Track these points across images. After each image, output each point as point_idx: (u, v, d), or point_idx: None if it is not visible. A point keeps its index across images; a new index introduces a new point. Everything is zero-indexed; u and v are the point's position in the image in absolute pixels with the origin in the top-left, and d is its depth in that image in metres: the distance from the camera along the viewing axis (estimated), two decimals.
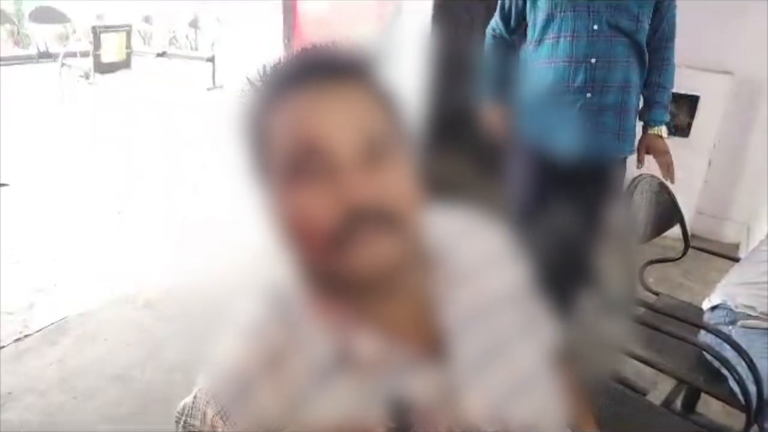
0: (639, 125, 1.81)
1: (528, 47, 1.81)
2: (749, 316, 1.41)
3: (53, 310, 2.29)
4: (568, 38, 1.68)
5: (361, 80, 0.55)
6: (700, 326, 1.46)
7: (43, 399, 1.82)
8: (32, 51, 6.74)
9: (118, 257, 2.75)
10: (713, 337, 1.33)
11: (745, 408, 1.21)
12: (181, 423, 0.57)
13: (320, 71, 0.53)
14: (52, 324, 2.20)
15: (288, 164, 0.52)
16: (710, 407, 1.71)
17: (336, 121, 0.52)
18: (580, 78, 1.68)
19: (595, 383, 1.33)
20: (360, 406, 0.54)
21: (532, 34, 1.78)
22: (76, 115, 5.08)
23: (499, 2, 1.88)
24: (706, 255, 1.90)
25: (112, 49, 5.53)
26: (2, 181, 3.48)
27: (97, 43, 5.36)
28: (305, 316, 0.56)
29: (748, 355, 1.22)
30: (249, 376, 0.54)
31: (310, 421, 0.53)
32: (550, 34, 1.72)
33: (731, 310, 1.45)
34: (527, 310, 0.69)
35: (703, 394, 1.62)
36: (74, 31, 7.07)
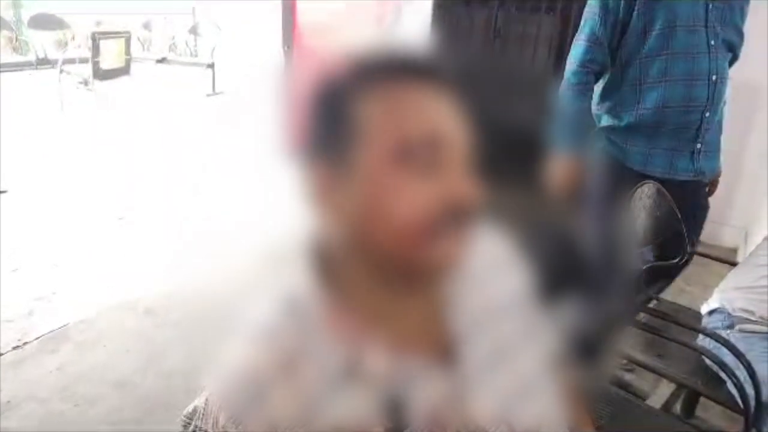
0: None
1: (622, 65, 1.68)
2: (747, 321, 1.42)
3: (53, 317, 2.29)
4: (688, 54, 1.59)
5: (449, 86, 0.57)
6: (699, 330, 1.47)
7: (43, 407, 1.82)
8: (31, 57, 6.74)
9: (118, 264, 2.75)
10: (712, 341, 1.34)
11: (744, 412, 1.21)
12: (191, 427, 0.57)
13: (427, 71, 0.56)
14: (52, 331, 2.20)
15: (396, 150, 0.53)
16: (709, 411, 1.72)
17: (453, 119, 0.55)
18: (702, 96, 1.60)
19: (595, 387, 1.34)
20: (368, 411, 0.54)
21: (632, 51, 1.65)
22: (76, 122, 5.08)
23: (592, 25, 1.67)
24: (704, 259, 1.90)
25: (111, 55, 5.54)
26: (2, 188, 3.48)
27: (96, 50, 5.37)
28: (319, 323, 0.57)
29: (746, 359, 1.22)
30: (262, 382, 0.54)
31: (320, 428, 0.53)
32: (665, 50, 1.60)
33: (729, 314, 1.46)
34: (532, 315, 0.70)
35: (702, 398, 1.63)
36: (73, 38, 7.09)
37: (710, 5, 1.57)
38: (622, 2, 1.61)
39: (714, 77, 1.59)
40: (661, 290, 1.83)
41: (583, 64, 1.69)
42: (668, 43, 1.59)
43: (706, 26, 1.58)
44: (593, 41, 1.66)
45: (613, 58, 1.69)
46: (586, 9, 1.69)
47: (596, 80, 1.73)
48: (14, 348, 2.10)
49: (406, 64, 0.56)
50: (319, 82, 0.56)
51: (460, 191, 0.53)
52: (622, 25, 1.63)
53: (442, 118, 0.55)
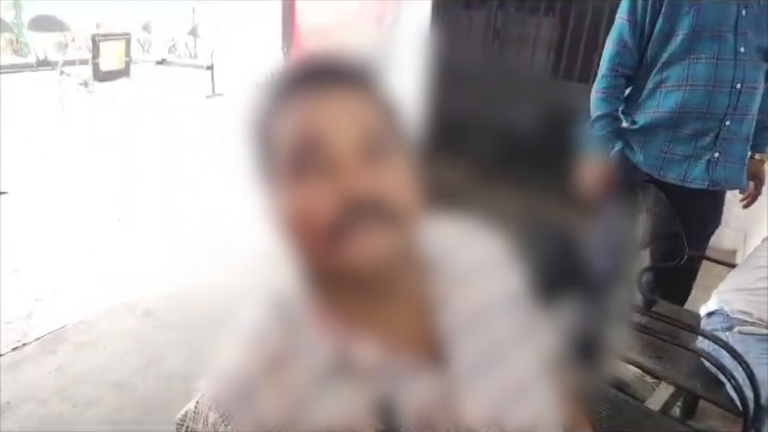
0: None
1: (645, 69, 1.68)
2: (745, 322, 1.42)
3: (52, 318, 2.29)
4: (711, 60, 1.55)
5: (362, 84, 0.57)
6: (698, 332, 1.47)
7: (42, 408, 1.82)
8: (31, 59, 6.74)
9: (117, 265, 2.75)
10: (711, 343, 1.34)
11: (743, 414, 1.21)
12: (183, 428, 0.58)
13: (324, 75, 0.56)
14: (52, 332, 2.20)
15: (291, 160, 0.54)
16: (708, 413, 1.72)
17: (336, 118, 0.54)
18: (722, 104, 1.57)
19: (592, 389, 1.34)
20: (358, 411, 0.54)
21: (656, 54, 1.64)
22: (76, 124, 5.08)
23: (620, 29, 1.67)
24: (703, 261, 1.90)
25: (111, 57, 5.54)
26: (1, 189, 3.48)
27: (96, 52, 5.37)
28: (306, 321, 0.57)
29: (745, 361, 1.22)
30: (251, 381, 0.55)
31: (309, 426, 0.53)
32: (688, 54, 1.58)
33: (728, 316, 1.46)
34: (525, 315, 0.70)
35: (701, 400, 1.63)
36: (73, 40, 7.09)
37: (743, 11, 1.52)
38: (649, 7, 1.61)
39: (738, 85, 1.55)
40: (667, 292, 1.83)
41: (612, 68, 1.70)
42: (692, 47, 1.57)
43: (735, 32, 1.53)
44: (622, 45, 1.67)
45: (641, 62, 1.68)
46: (617, 14, 1.69)
47: (627, 84, 1.73)
48: (14, 349, 2.10)
49: (301, 73, 0.56)
50: (253, 102, 0.58)
51: (351, 186, 0.52)
52: (650, 29, 1.63)
53: (324, 118, 0.54)
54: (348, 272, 0.54)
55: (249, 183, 0.58)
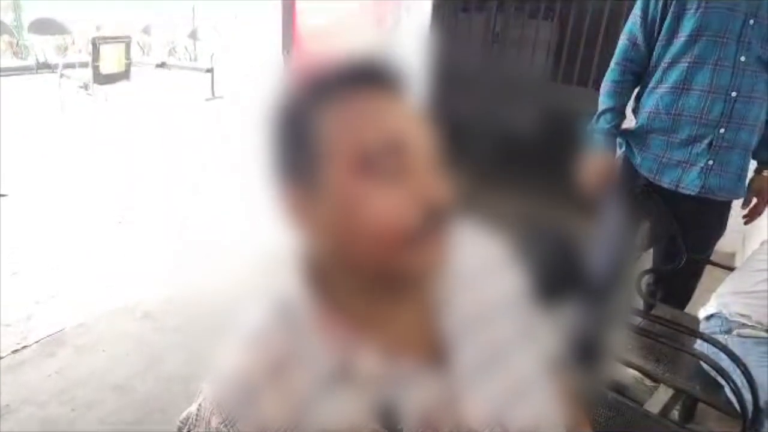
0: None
1: (652, 68, 1.67)
2: (744, 325, 1.43)
3: (52, 321, 2.29)
4: (709, 65, 1.55)
5: (407, 90, 0.57)
6: (697, 335, 1.47)
7: (42, 410, 1.81)
8: (31, 62, 6.75)
9: (117, 268, 2.75)
10: (710, 346, 1.34)
11: (741, 416, 1.22)
12: (185, 431, 0.58)
13: (377, 77, 0.55)
14: (51, 335, 2.20)
15: (359, 161, 0.52)
16: (707, 416, 1.72)
17: (413, 123, 0.55)
18: (716, 110, 1.56)
19: (592, 391, 1.34)
20: (361, 415, 0.55)
21: (661, 54, 1.64)
22: (76, 126, 5.09)
23: (631, 26, 1.68)
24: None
25: (111, 60, 5.55)
26: (1, 192, 3.48)
27: (96, 54, 5.38)
28: (310, 326, 0.57)
29: (743, 364, 1.23)
30: (253, 385, 0.55)
31: (312, 430, 0.54)
32: (688, 57, 1.57)
33: (726, 319, 1.46)
34: (526, 317, 0.70)
35: (700, 403, 1.63)
36: (73, 42, 7.11)
37: (752, 20, 1.51)
38: (660, 6, 1.61)
39: (734, 93, 1.54)
40: (668, 296, 1.84)
41: (620, 62, 1.71)
42: (692, 50, 1.56)
43: (738, 40, 1.52)
44: (632, 41, 1.68)
45: (650, 60, 1.68)
46: (634, 9, 1.70)
47: (637, 82, 1.73)
48: (13, 351, 2.10)
49: (357, 73, 0.55)
50: (280, 102, 0.56)
51: (430, 193, 0.53)
52: (659, 28, 1.63)
53: (400, 122, 0.54)
54: (405, 274, 0.55)
55: (268, 183, 0.56)
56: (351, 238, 0.54)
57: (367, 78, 0.54)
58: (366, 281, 0.57)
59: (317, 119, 0.53)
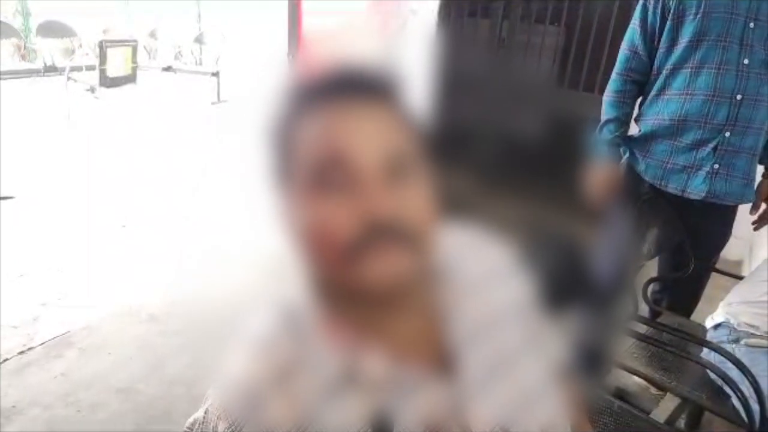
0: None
1: (654, 76, 1.68)
2: (752, 335, 1.42)
3: (57, 323, 2.30)
4: (712, 70, 1.54)
5: (387, 98, 0.56)
6: (704, 344, 1.46)
7: (47, 412, 1.82)
8: (38, 65, 6.79)
9: (122, 271, 2.76)
10: (717, 355, 1.33)
11: (748, 427, 1.21)
12: None
13: (349, 86, 0.55)
14: (57, 337, 2.21)
15: (312, 174, 0.54)
16: (714, 426, 1.71)
17: (363, 135, 0.54)
18: (721, 115, 1.55)
19: (598, 399, 1.34)
20: (365, 423, 0.54)
21: (662, 61, 1.64)
22: (82, 129, 5.11)
23: (632, 35, 1.68)
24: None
25: (117, 63, 5.58)
26: (7, 194, 3.50)
27: (103, 58, 5.41)
28: (316, 332, 0.57)
29: (751, 374, 1.22)
30: (260, 390, 0.55)
31: None
32: (690, 63, 1.57)
33: (734, 328, 1.46)
34: (533, 324, 0.70)
35: (706, 413, 1.62)
36: (80, 46, 7.13)
37: (752, 23, 1.51)
38: (659, 14, 1.61)
39: (739, 97, 1.53)
40: (674, 303, 1.83)
41: (622, 72, 1.71)
42: (695, 55, 1.56)
43: (740, 44, 1.52)
44: (633, 50, 1.68)
45: (652, 68, 1.68)
46: (632, 18, 1.70)
47: (639, 91, 1.73)
48: (19, 353, 2.10)
49: (335, 83, 0.55)
50: (271, 107, 0.57)
51: (372, 207, 0.52)
52: (659, 35, 1.63)
53: (350, 135, 0.53)
54: (361, 289, 0.54)
55: (263, 190, 0.58)
56: (314, 250, 0.55)
57: (343, 87, 0.54)
58: (358, 290, 0.56)
59: (294, 127, 0.55)
